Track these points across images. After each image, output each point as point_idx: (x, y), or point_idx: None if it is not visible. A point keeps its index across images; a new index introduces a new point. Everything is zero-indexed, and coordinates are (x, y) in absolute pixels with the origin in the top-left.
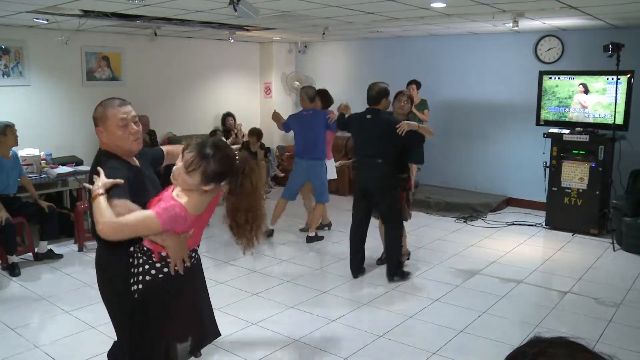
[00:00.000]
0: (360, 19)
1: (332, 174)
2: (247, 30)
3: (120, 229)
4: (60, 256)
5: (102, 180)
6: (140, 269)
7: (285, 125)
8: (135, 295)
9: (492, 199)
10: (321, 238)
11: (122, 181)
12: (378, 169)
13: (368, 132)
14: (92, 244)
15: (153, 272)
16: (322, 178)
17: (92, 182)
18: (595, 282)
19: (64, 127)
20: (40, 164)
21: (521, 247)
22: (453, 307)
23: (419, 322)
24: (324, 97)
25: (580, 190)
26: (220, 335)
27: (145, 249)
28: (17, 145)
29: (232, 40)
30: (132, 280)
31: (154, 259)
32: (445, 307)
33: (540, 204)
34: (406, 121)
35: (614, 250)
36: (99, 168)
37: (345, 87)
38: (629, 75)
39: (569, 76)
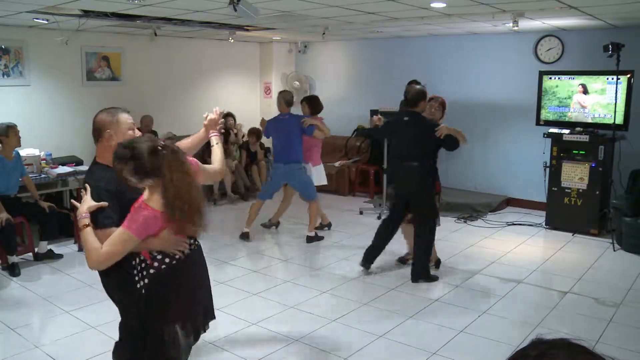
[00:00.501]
0: (360, 19)
1: (321, 179)
2: (247, 30)
3: (106, 259)
4: (60, 256)
5: (86, 204)
6: (144, 265)
7: (265, 130)
8: (143, 291)
9: (492, 199)
10: (321, 238)
11: (105, 204)
12: (414, 172)
13: (405, 134)
14: None
15: (156, 264)
16: (300, 179)
17: (80, 199)
18: (595, 282)
19: (64, 127)
20: (40, 164)
21: (521, 247)
22: (453, 307)
23: (419, 322)
24: (314, 103)
25: (580, 190)
26: (214, 318)
27: (139, 258)
28: (19, 145)
29: (232, 40)
30: (137, 278)
31: (154, 254)
32: (446, 307)
33: (540, 204)
34: (446, 125)
35: (614, 250)
36: (86, 185)
37: (345, 87)
38: (629, 75)
39: (569, 76)
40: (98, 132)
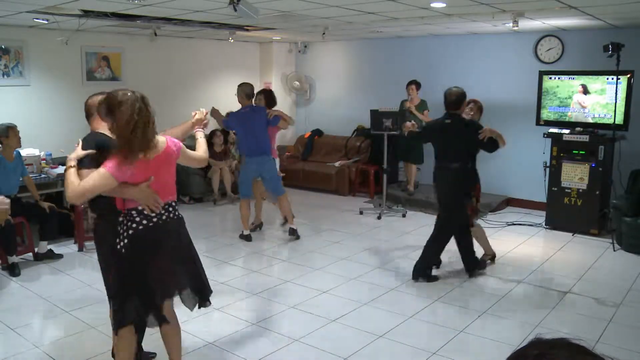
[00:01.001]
0: (360, 19)
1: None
2: (247, 30)
3: (82, 192)
4: (60, 256)
5: (76, 152)
6: (125, 227)
7: (226, 122)
8: (123, 251)
9: (492, 199)
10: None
11: (92, 151)
12: (453, 174)
13: (448, 136)
14: (92, 244)
15: (134, 225)
16: (272, 172)
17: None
18: (595, 282)
19: (64, 127)
20: (40, 164)
21: (521, 247)
22: (453, 307)
23: (419, 322)
24: (270, 97)
25: (580, 190)
26: (212, 292)
27: (125, 211)
28: (20, 146)
29: (232, 40)
30: (118, 240)
31: (133, 215)
32: (445, 307)
33: (540, 204)
34: (489, 127)
35: (614, 250)
36: (79, 140)
37: (345, 87)
38: (629, 75)
39: (569, 76)
40: (93, 110)
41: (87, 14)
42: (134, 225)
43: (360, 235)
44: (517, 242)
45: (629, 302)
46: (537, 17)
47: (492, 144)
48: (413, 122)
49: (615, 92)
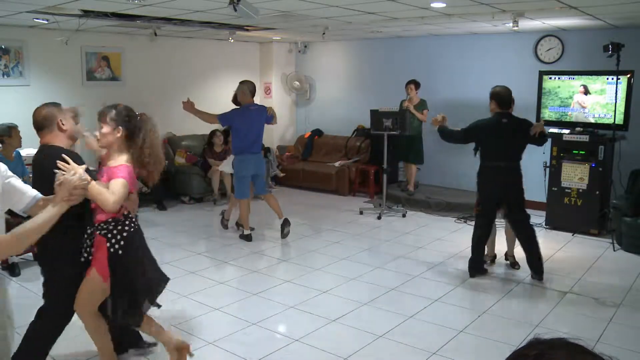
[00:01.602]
0: (360, 19)
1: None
2: (247, 30)
3: (120, 199)
4: None
5: (78, 168)
6: (116, 231)
7: (224, 118)
8: (120, 252)
9: None
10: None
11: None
12: (512, 171)
13: (504, 136)
14: None
15: (127, 228)
16: (264, 170)
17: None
18: (595, 282)
19: None
20: None
21: (521, 247)
22: (453, 307)
23: (419, 322)
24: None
25: (580, 190)
26: (169, 279)
27: (111, 219)
28: (20, 146)
29: (232, 40)
30: (110, 244)
31: (122, 221)
32: (445, 307)
33: (540, 204)
34: (540, 122)
35: (614, 250)
36: (63, 156)
37: (345, 87)
38: (629, 75)
39: (569, 76)
40: (49, 122)
41: (87, 14)
42: (126, 228)
43: (360, 235)
44: (517, 242)
45: (629, 302)
46: (537, 17)
47: (542, 139)
48: (444, 115)
49: (615, 92)
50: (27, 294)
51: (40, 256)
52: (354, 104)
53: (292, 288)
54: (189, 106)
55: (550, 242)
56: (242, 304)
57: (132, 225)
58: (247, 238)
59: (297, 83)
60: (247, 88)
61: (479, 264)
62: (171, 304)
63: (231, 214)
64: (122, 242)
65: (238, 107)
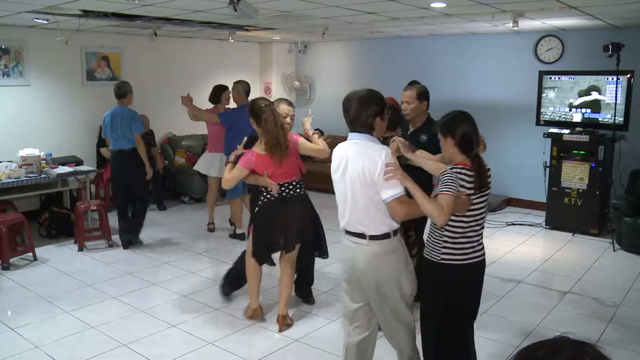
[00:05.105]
0: (360, 19)
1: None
2: (247, 30)
3: (230, 180)
4: (140, 243)
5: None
6: (261, 197)
7: (226, 117)
8: (256, 209)
9: (492, 199)
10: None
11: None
12: None
13: None
14: (92, 244)
15: (262, 198)
16: None
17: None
18: (595, 282)
19: (64, 127)
20: (40, 164)
21: (521, 247)
22: None
23: (419, 322)
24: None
25: (580, 190)
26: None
27: (262, 189)
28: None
29: (232, 40)
30: (260, 201)
31: (262, 191)
32: None
33: (540, 204)
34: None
35: (614, 250)
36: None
37: (346, 87)
38: (629, 75)
39: (569, 76)
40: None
41: (87, 14)
42: (262, 197)
43: None
44: (517, 242)
45: (629, 302)
46: (537, 17)
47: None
48: (401, 140)
49: (615, 92)
50: (27, 294)
51: None
52: None
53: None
54: (187, 101)
55: (550, 242)
56: (242, 305)
57: (267, 198)
58: (241, 237)
59: (297, 83)
60: (242, 88)
61: None
62: (171, 304)
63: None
64: (260, 203)
65: (234, 106)
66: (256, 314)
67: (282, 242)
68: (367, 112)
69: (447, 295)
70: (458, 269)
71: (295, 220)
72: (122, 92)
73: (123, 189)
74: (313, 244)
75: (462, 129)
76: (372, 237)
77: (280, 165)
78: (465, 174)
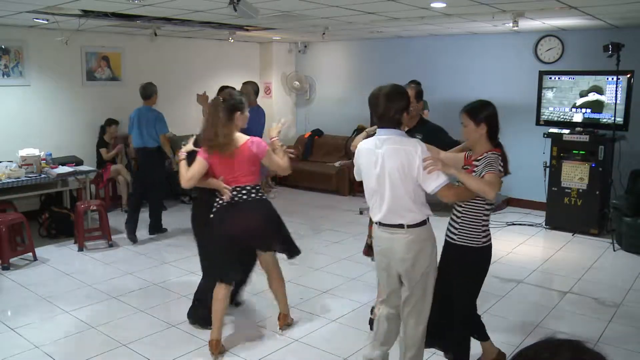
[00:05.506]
0: (360, 19)
1: None
2: (247, 30)
3: (190, 178)
4: (165, 230)
5: (185, 148)
6: (215, 203)
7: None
8: (211, 215)
9: None
10: None
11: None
12: None
13: None
14: (92, 244)
15: (216, 204)
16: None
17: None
18: (595, 282)
19: (64, 127)
20: (40, 164)
21: (521, 247)
22: None
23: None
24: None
25: (580, 190)
26: (299, 252)
27: (216, 193)
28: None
29: (232, 40)
30: (214, 208)
31: (217, 196)
32: None
33: (540, 204)
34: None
35: (614, 250)
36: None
37: (346, 87)
38: (629, 75)
39: (569, 76)
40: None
41: (87, 14)
42: (216, 204)
43: (361, 235)
44: (517, 242)
45: (629, 302)
46: (537, 17)
47: None
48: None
49: (615, 92)
50: (27, 294)
51: None
52: (354, 104)
53: (292, 288)
54: (203, 99)
55: (550, 242)
56: (242, 305)
57: (219, 203)
58: None
59: (297, 83)
60: (251, 88)
61: None
62: (171, 304)
63: None
64: (213, 209)
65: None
66: (211, 346)
67: (245, 257)
68: (395, 107)
69: (483, 276)
70: (490, 250)
71: (252, 226)
72: (148, 93)
73: (142, 183)
74: (280, 248)
75: (492, 113)
76: (410, 226)
77: (229, 168)
78: (501, 160)
